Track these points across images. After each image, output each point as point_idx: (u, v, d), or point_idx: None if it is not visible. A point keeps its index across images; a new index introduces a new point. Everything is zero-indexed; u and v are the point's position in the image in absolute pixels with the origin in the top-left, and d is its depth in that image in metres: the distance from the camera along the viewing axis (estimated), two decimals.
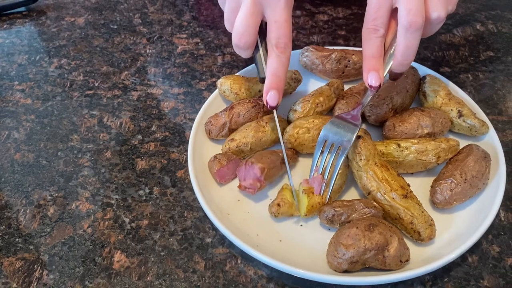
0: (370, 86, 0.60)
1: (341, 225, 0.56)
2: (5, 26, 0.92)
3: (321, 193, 0.59)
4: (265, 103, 0.61)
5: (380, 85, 0.60)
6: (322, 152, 0.61)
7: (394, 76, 0.63)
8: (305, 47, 0.77)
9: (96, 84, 0.80)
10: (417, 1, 0.56)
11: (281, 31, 0.60)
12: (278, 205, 0.58)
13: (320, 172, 0.60)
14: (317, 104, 0.69)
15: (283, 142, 0.63)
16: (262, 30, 0.63)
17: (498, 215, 0.59)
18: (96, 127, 0.72)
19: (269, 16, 0.60)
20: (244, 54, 0.63)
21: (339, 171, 0.59)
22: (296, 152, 0.66)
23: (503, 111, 0.73)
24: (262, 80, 0.62)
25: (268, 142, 0.67)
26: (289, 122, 0.69)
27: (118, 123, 0.73)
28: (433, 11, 0.58)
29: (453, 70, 0.80)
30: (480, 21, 0.91)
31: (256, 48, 0.63)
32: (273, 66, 0.60)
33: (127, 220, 0.60)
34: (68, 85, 0.80)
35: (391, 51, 0.61)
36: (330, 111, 0.71)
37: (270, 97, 0.60)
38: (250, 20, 0.59)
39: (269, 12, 0.60)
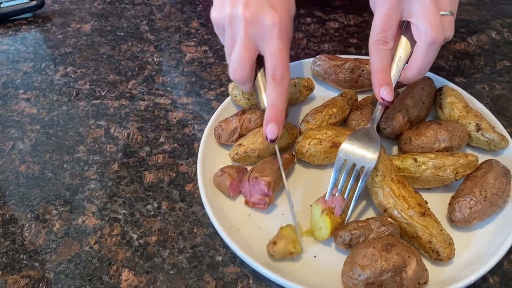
0: (383, 100, 0.58)
1: None
2: (10, 32, 0.91)
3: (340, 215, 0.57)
4: (264, 137, 0.59)
5: (393, 100, 0.58)
6: (340, 170, 0.58)
7: (400, 85, 0.61)
8: (318, 56, 0.75)
9: (103, 93, 0.78)
10: (437, 17, 0.56)
11: (277, 63, 0.58)
12: (274, 243, 0.54)
13: (340, 193, 0.58)
14: (330, 115, 0.67)
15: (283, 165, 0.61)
16: (262, 61, 0.62)
17: None
18: (103, 138, 0.71)
19: (263, 49, 0.59)
20: (243, 87, 0.64)
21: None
22: (294, 157, 0.64)
23: None
24: (263, 112, 0.61)
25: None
26: (300, 133, 0.67)
27: (126, 134, 0.71)
28: (447, 31, 0.57)
29: (469, 81, 0.78)
30: (496, 29, 0.89)
31: (256, 80, 0.63)
32: (271, 97, 0.59)
33: (135, 236, 0.59)
34: (74, 94, 0.78)
35: (396, 63, 0.60)
36: (343, 122, 0.69)
37: (270, 130, 0.58)
38: (244, 55, 0.59)
39: (263, 45, 0.59)
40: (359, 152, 0.58)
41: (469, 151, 0.66)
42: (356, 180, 0.57)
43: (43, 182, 0.65)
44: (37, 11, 0.95)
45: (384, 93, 0.58)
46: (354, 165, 0.57)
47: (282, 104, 0.59)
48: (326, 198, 0.57)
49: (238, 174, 0.61)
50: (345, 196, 0.57)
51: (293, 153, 0.65)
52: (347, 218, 0.57)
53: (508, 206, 0.58)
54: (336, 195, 0.57)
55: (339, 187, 0.57)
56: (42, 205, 0.62)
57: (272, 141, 0.58)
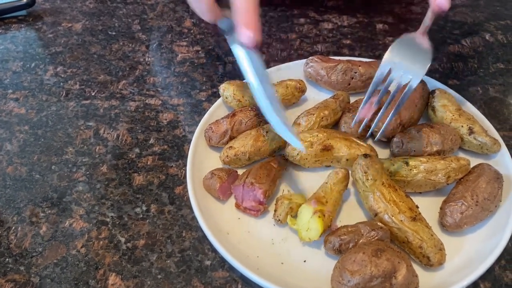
0: (439, 8, 0.55)
1: None
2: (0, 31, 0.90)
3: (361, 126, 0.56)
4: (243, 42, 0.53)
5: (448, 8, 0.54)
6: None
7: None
8: (310, 57, 0.75)
9: (93, 94, 0.77)
10: None
11: None
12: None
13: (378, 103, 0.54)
14: (322, 118, 0.66)
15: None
16: None
17: (511, 239, 0.57)
18: (92, 139, 0.70)
19: None
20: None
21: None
22: (287, 160, 0.64)
23: None
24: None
25: (267, 152, 0.64)
26: None
27: (115, 135, 0.70)
28: None
29: (462, 83, 0.78)
30: (490, 31, 0.88)
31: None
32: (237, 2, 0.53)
33: (122, 239, 0.58)
34: (64, 94, 0.77)
35: None
36: (335, 124, 0.69)
37: (243, 35, 0.52)
38: None
39: None
40: (405, 62, 0.53)
41: (461, 154, 0.65)
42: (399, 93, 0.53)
43: (30, 184, 0.64)
44: (28, 10, 0.94)
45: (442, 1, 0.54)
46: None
47: (251, 5, 0.53)
48: (360, 108, 0.56)
49: (228, 177, 0.61)
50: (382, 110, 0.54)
51: (285, 157, 0.64)
52: (379, 134, 0.56)
53: (500, 211, 0.57)
54: (373, 106, 0.53)
55: (378, 97, 0.54)
56: (29, 207, 0.61)
57: (250, 47, 0.53)
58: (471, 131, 0.63)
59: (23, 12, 0.93)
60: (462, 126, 0.64)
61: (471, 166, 0.60)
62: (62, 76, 0.80)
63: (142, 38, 0.88)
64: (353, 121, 0.59)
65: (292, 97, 0.71)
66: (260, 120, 0.67)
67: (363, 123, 0.60)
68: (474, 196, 0.56)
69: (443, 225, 0.57)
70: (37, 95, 0.77)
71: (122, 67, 0.82)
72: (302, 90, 0.72)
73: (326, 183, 0.59)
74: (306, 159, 0.62)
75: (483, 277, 0.53)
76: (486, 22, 0.91)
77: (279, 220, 0.57)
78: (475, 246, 0.56)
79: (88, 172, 0.65)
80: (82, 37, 0.89)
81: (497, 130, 0.67)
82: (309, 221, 0.54)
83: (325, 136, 0.63)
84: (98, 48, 0.86)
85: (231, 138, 0.65)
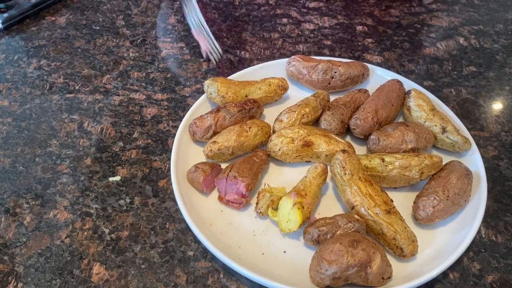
0: None
1: None
2: None
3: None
4: None
5: None
6: None
7: None
8: (292, 57, 0.77)
9: (77, 87, 0.78)
10: None
11: None
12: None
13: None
14: (303, 115, 0.69)
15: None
16: None
17: (479, 232, 0.60)
18: (76, 132, 0.70)
19: None
20: None
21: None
22: (269, 157, 0.66)
23: (484, 127, 0.74)
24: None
25: (250, 147, 0.66)
26: (274, 131, 0.69)
27: (99, 129, 0.71)
28: None
29: (437, 84, 0.81)
30: (463, 36, 0.92)
31: None
32: None
33: (106, 230, 0.59)
34: (48, 87, 0.77)
35: None
36: (315, 122, 0.71)
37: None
38: None
39: None
40: None
41: (434, 152, 0.68)
42: None
43: (14, 175, 0.64)
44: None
45: None
46: None
47: None
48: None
49: (212, 170, 0.62)
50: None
51: (267, 152, 0.66)
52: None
53: (469, 206, 0.61)
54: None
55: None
56: (12, 198, 0.62)
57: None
58: (444, 130, 0.66)
59: (2, 5, 0.93)
60: (435, 125, 0.67)
61: (443, 163, 0.64)
62: (46, 69, 0.81)
63: (126, 33, 0.89)
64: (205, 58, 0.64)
65: (274, 94, 0.73)
66: (243, 116, 0.68)
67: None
68: (446, 191, 0.59)
69: (416, 218, 0.59)
70: (20, 88, 0.77)
71: (106, 62, 0.83)
72: (284, 88, 0.74)
73: (306, 177, 0.61)
74: (287, 154, 0.65)
75: (452, 268, 0.56)
76: (461, 26, 0.94)
77: (261, 212, 0.59)
78: (445, 238, 0.58)
79: (72, 165, 0.66)
80: (66, 31, 0.89)
81: (469, 129, 0.70)
82: (289, 212, 0.56)
83: (305, 133, 0.65)
84: (82, 42, 0.87)
85: (215, 133, 0.67)
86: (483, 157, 0.66)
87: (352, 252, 0.51)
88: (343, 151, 0.59)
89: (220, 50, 0.57)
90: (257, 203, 0.60)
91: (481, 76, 0.83)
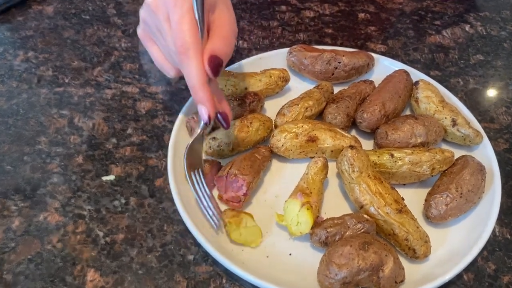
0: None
1: None
2: None
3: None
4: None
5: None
6: None
7: None
8: (294, 46, 0.73)
9: (67, 81, 0.73)
10: None
11: (176, 33, 0.53)
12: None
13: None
14: (307, 108, 0.65)
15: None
16: None
17: (493, 230, 0.57)
18: (66, 128, 0.67)
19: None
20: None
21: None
22: (271, 152, 0.62)
23: (494, 119, 0.71)
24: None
25: (251, 142, 0.63)
26: (276, 126, 0.66)
27: (91, 125, 0.67)
28: None
29: (444, 74, 0.78)
30: (469, 23, 0.88)
31: None
32: (185, 76, 0.54)
33: (101, 234, 0.55)
34: (36, 81, 0.73)
35: None
36: (319, 115, 0.68)
37: (200, 112, 0.54)
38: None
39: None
40: None
41: (443, 146, 0.65)
42: None
43: (0, 175, 0.61)
44: None
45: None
46: None
47: (197, 80, 0.52)
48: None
49: (211, 168, 0.59)
50: None
51: (270, 148, 0.62)
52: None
53: (482, 203, 0.58)
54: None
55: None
56: (0, 200, 0.58)
57: (206, 124, 0.55)
58: (454, 123, 0.63)
59: None
60: (445, 118, 0.64)
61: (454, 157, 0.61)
62: (34, 61, 0.76)
63: (118, 22, 0.85)
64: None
65: (275, 86, 0.70)
66: (243, 110, 0.65)
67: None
68: (459, 187, 0.56)
69: (428, 217, 0.57)
70: (7, 82, 0.73)
71: (97, 53, 0.78)
72: (286, 80, 0.70)
73: (307, 173, 0.58)
74: (291, 150, 0.61)
75: (466, 269, 0.54)
76: (466, 13, 0.91)
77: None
78: (459, 237, 0.56)
79: (62, 163, 0.62)
80: (54, 20, 0.84)
81: (478, 121, 0.67)
82: (297, 214, 0.53)
83: (310, 127, 0.62)
84: (71, 32, 0.82)
85: (214, 128, 0.64)
86: (494, 151, 0.63)
87: (363, 255, 0.49)
88: (351, 147, 0.56)
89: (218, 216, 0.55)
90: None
91: (489, 65, 0.80)
